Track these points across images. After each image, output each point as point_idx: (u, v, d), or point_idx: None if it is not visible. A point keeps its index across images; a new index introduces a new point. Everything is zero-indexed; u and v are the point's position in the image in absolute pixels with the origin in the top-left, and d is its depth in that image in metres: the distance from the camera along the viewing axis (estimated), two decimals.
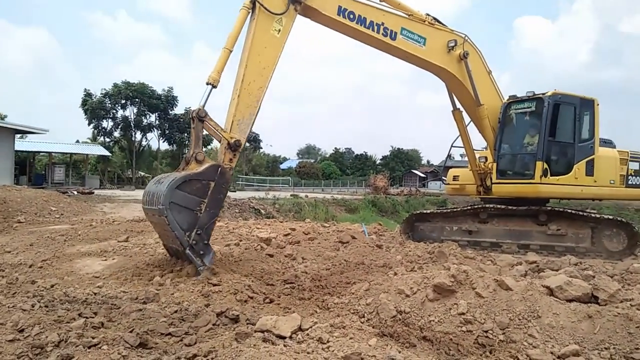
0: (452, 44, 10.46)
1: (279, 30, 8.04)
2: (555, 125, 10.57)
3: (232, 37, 7.75)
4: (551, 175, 10.45)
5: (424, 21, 10.23)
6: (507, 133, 11.40)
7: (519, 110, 11.33)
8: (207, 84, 7.52)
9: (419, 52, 10.12)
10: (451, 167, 14.62)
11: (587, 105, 10.98)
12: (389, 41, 9.68)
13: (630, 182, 11.63)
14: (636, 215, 39.30)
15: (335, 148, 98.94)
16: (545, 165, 10.39)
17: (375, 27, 9.46)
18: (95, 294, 6.02)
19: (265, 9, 7.87)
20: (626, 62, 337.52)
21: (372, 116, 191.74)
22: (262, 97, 7.91)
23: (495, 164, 11.30)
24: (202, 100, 7.43)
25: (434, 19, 10.47)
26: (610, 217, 10.56)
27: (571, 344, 4.28)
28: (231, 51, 7.74)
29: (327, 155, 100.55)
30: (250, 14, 7.92)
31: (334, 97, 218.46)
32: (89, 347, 4.02)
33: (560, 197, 11.79)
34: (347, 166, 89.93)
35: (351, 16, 9.11)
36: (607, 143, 11.68)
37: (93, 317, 4.86)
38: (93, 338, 4.19)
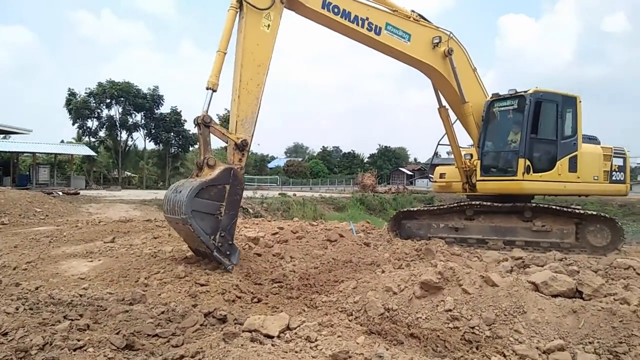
0: (437, 41, 10.53)
1: (269, 26, 8.14)
2: (538, 122, 10.66)
3: (224, 39, 7.84)
4: (534, 172, 10.54)
5: (409, 17, 10.29)
6: (491, 130, 11.48)
7: (502, 108, 11.42)
8: (207, 89, 7.63)
9: (403, 48, 10.17)
10: (438, 165, 14.70)
11: (569, 102, 11.08)
12: (373, 36, 9.74)
13: (614, 178, 11.76)
14: (620, 210, 39.91)
15: (323, 146, 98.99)
16: (528, 162, 10.47)
17: (360, 22, 9.51)
18: (80, 295, 5.95)
19: (252, 6, 7.94)
20: (608, 60, 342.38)
21: (360, 114, 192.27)
22: (262, 94, 8.06)
23: (479, 161, 11.37)
24: (205, 105, 7.58)
25: (419, 15, 10.52)
26: (594, 212, 10.70)
27: (556, 339, 4.34)
28: (225, 53, 7.85)
29: (315, 154, 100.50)
30: (239, 13, 7.99)
31: (321, 95, 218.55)
32: (75, 350, 3.98)
33: (543, 194, 11.89)
34: (335, 164, 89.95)
35: (335, 10, 9.17)
36: (591, 139, 11.80)
37: (78, 319, 4.81)
38: (78, 340, 4.14)
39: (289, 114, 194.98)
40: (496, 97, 11.42)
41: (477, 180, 11.42)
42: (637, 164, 74.01)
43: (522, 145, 10.54)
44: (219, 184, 7.18)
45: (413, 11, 10.44)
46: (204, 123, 7.37)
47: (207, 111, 7.48)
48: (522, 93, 10.87)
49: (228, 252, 7.30)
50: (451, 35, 10.75)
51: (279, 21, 8.32)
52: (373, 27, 9.69)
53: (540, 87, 10.89)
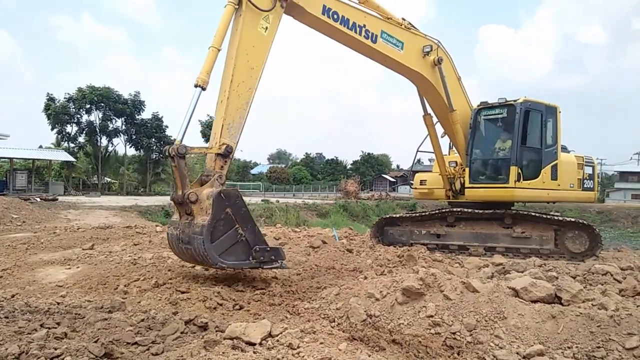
0: (428, 50, 10.57)
1: (266, 28, 7.83)
2: (526, 131, 10.82)
3: (219, 35, 7.40)
4: (523, 180, 10.69)
5: (401, 25, 10.33)
6: (479, 138, 11.55)
7: (491, 116, 11.53)
8: (196, 86, 7.12)
9: (397, 56, 10.17)
10: (419, 172, 14.80)
11: (551, 112, 11.28)
12: (370, 44, 9.68)
13: (585, 186, 12.04)
14: (597, 217, 40.71)
15: (306, 153, 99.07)
16: (519, 170, 10.62)
17: (358, 29, 9.44)
18: (58, 303, 5.84)
19: (253, 4, 7.61)
20: (585, 70, 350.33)
21: (343, 121, 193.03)
22: (252, 99, 7.66)
23: (467, 169, 11.44)
24: (180, 134, 6.94)
25: (410, 23, 10.57)
26: (573, 219, 10.87)
27: (536, 344, 4.39)
28: (219, 50, 7.40)
29: (298, 160, 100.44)
30: (236, 11, 7.64)
31: (305, 102, 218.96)
32: (52, 359, 3.89)
33: (530, 201, 12.10)
34: (318, 171, 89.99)
35: (335, 16, 9.05)
36: (562, 149, 12.03)
37: (56, 328, 4.70)
38: (56, 349, 4.05)
39: (272, 120, 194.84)
40: (484, 105, 11.53)
41: (465, 188, 11.49)
42: (614, 172, 75.89)
43: (514, 153, 10.67)
44: (220, 215, 6.70)
45: (404, 19, 10.49)
46: (178, 154, 6.69)
47: (182, 140, 6.84)
48: (512, 102, 11.00)
49: (272, 257, 7.13)
50: (439, 43, 10.85)
51: (277, 26, 8.03)
52: (370, 34, 9.61)
53: (529, 97, 11.06)
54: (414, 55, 10.50)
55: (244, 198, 7.45)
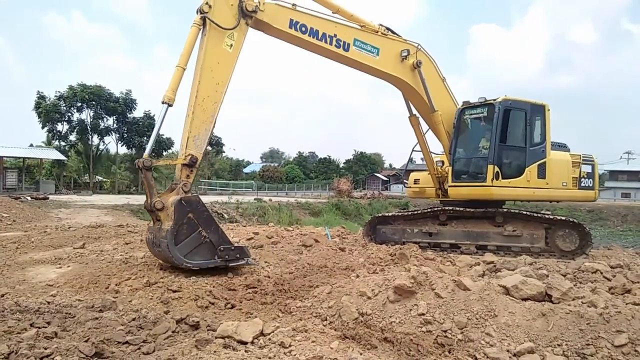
0: (405, 54, 10.65)
1: (231, 45, 8.05)
2: (506, 129, 10.84)
3: (185, 55, 7.74)
4: (503, 178, 10.70)
5: (377, 32, 10.33)
6: (462, 138, 11.64)
7: (472, 116, 11.61)
8: (163, 102, 7.53)
9: (372, 63, 10.23)
10: (412, 171, 14.85)
11: (537, 110, 11.30)
12: (342, 52, 9.74)
13: (582, 185, 12.03)
14: (588, 216, 41.01)
15: (299, 152, 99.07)
16: (497, 169, 10.64)
17: (328, 39, 9.48)
18: (48, 303, 5.81)
19: (216, 24, 7.84)
20: (576, 69, 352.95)
21: (336, 120, 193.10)
22: (218, 112, 7.98)
23: (450, 168, 11.53)
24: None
25: (387, 28, 10.61)
26: (563, 218, 10.94)
27: (526, 342, 4.42)
28: (184, 69, 7.75)
29: (291, 159, 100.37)
30: (202, 29, 7.87)
31: (297, 101, 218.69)
32: (41, 359, 3.86)
33: (513, 199, 12.10)
34: (311, 170, 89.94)
35: (303, 29, 9.11)
36: (561, 147, 12.06)
37: (46, 327, 4.68)
38: (45, 349, 4.02)
39: (265, 119, 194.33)
40: (467, 105, 11.60)
41: (448, 186, 11.57)
42: (604, 171, 76.57)
43: (491, 152, 10.70)
44: (183, 220, 7.20)
45: (381, 25, 10.49)
46: (144, 167, 7.22)
47: (150, 153, 7.45)
48: (492, 101, 11.05)
49: (238, 255, 7.62)
50: (419, 47, 10.87)
51: (242, 41, 8.25)
52: (341, 43, 9.66)
53: (509, 96, 11.10)
54: (391, 60, 10.57)
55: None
